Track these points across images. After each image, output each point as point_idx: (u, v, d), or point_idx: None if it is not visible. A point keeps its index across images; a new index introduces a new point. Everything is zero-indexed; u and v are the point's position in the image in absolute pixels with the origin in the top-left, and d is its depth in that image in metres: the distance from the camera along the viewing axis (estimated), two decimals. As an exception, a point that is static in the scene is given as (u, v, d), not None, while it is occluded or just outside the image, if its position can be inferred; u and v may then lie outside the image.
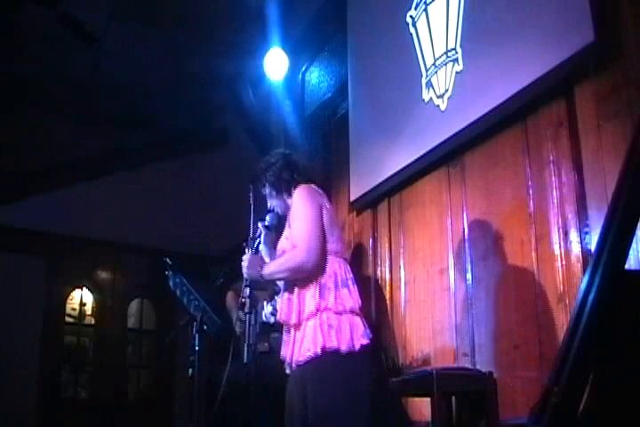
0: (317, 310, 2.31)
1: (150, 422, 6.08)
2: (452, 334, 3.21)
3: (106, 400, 6.02)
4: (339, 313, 2.31)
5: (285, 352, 2.47)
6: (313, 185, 2.60)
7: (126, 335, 6.53)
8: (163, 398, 6.30)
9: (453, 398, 2.82)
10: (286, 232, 2.58)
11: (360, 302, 2.40)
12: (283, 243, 2.58)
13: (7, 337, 5.43)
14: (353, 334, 2.29)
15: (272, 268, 2.47)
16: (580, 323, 1.12)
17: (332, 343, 2.25)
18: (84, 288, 6.33)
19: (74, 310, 6.28)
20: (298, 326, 2.37)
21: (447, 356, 3.22)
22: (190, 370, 3.33)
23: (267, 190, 2.72)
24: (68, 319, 6.22)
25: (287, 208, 2.65)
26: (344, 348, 2.26)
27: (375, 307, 3.87)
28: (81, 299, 6.32)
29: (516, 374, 2.77)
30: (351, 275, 2.46)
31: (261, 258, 2.63)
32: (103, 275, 6.43)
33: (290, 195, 2.63)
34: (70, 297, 6.27)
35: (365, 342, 2.31)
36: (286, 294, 2.46)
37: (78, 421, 5.95)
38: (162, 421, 6.07)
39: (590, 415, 1.06)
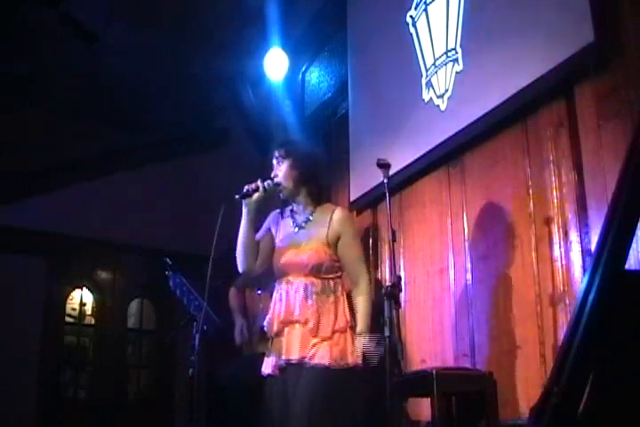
0: (348, 327, 2.58)
1: (150, 422, 6.08)
2: (452, 334, 3.21)
3: (106, 400, 6.01)
4: (357, 335, 2.61)
5: (299, 355, 2.50)
6: None
7: (126, 335, 6.52)
8: (163, 398, 6.29)
9: (453, 398, 2.82)
10: (323, 247, 2.65)
11: None
12: (315, 254, 2.64)
13: (7, 337, 5.43)
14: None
15: (365, 324, 2.62)
16: (580, 323, 1.12)
17: (359, 361, 2.54)
18: (84, 288, 6.32)
19: (74, 310, 6.27)
20: (330, 337, 2.54)
21: (447, 356, 3.22)
22: (190, 370, 3.32)
23: (289, 168, 2.73)
24: (68, 319, 6.21)
25: (292, 197, 2.75)
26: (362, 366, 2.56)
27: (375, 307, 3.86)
28: (81, 299, 6.32)
29: (516, 374, 2.77)
30: None
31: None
32: (103, 275, 6.42)
33: (309, 196, 2.74)
34: (70, 297, 6.26)
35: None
36: (313, 306, 2.57)
37: (78, 421, 5.94)
38: (162, 421, 6.06)
39: (590, 415, 1.06)
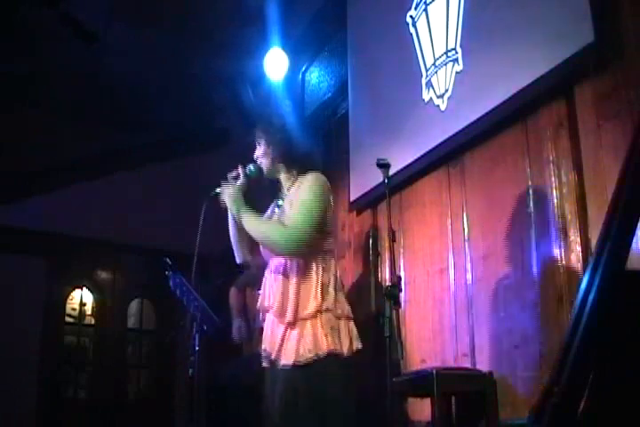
0: (318, 311, 2.27)
1: (150, 422, 6.08)
2: (452, 333, 3.21)
3: (106, 400, 6.01)
4: (338, 317, 2.31)
5: (269, 347, 2.36)
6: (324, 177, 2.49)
7: (126, 335, 6.53)
8: (163, 398, 6.29)
9: (453, 398, 2.82)
10: (278, 214, 2.47)
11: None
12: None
13: (7, 337, 5.43)
14: (352, 339, 2.31)
15: (255, 224, 2.40)
16: (580, 323, 1.12)
17: (337, 346, 2.24)
18: (84, 288, 6.33)
19: (74, 310, 6.27)
20: (293, 324, 2.29)
21: (447, 356, 3.22)
22: (190, 370, 3.33)
23: (265, 145, 2.62)
24: (68, 319, 6.22)
25: (272, 176, 2.59)
26: (345, 351, 2.26)
27: (375, 307, 3.86)
28: (81, 299, 6.32)
29: (516, 374, 2.77)
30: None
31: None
32: (103, 275, 6.43)
33: (290, 171, 2.56)
34: (70, 297, 6.26)
35: (360, 346, 2.32)
36: (279, 287, 2.34)
37: (78, 421, 5.94)
38: (162, 421, 6.06)
39: (590, 415, 1.06)
